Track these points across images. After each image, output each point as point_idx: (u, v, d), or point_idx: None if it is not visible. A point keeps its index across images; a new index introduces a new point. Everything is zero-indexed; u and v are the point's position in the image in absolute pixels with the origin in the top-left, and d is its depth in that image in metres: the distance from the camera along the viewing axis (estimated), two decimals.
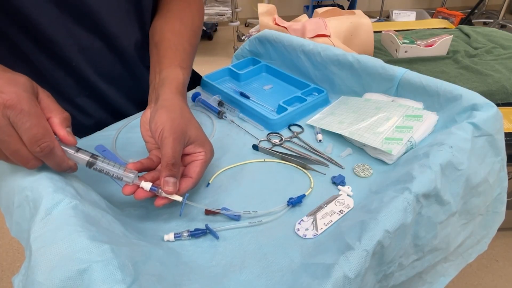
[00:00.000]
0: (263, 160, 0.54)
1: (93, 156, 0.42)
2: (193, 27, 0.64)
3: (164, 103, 0.48)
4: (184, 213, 0.47)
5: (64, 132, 0.39)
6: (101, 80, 0.64)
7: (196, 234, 0.44)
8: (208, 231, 0.44)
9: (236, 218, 0.46)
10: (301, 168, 0.53)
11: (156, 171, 0.47)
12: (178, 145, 0.44)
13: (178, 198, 0.43)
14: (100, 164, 0.42)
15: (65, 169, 0.40)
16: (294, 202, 0.47)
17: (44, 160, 0.38)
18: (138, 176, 0.44)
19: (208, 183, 0.52)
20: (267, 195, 0.50)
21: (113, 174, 0.42)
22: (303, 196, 0.48)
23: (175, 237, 0.44)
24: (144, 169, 0.46)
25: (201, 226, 0.45)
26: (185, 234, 0.44)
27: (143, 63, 0.68)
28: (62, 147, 0.39)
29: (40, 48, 0.56)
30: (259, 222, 0.45)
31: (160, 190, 0.43)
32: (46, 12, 0.53)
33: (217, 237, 0.44)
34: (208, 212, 0.46)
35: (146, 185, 0.43)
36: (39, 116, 0.36)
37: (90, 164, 0.42)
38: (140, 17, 0.63)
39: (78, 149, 0.41)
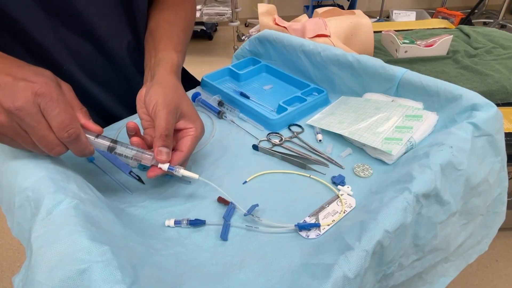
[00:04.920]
0: (309, 176, 0.53)
1: (113, 141, 0.45)
2: (186, 20, 0.67)
3: (159, 80, 0.50)
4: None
5: (89, 123, 0.42)
6: (92, 84, 0.63)
7: (195, 223, 0.45)
8: (199, 222, 0.46)
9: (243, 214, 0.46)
10: (339, 195, 0.49)
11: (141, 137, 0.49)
12: (171, 118, 0.45)
13: (195, 176, 0.46)
14: (120, 148, 0.45)
15: (87, 155, 0.43)
16: (301, 227, 0.44)
17: (69, 146, 0.40)
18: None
19: (245, 181, 0.53)
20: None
21: (132, 156, 0.45)
22: (317, 225, 0.45)
23: (175, 224, 0.45)
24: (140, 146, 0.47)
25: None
26: (185, 222, 0.45)
27: (135, 66, 0.67)
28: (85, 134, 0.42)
29: (29, 53, 0.55)
30: (256, 228, 0.45)
31: (176, 169, 0.46)
32: (33, 16, 0.52)
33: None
34: (220, 200, 0.48)
35: (164, 166, 0.46)
36: (66, 104, 0.39)
37: (111, 149, 0.45)
38: (131, 19, 0.63)
39: (97, 135, 0.44)
